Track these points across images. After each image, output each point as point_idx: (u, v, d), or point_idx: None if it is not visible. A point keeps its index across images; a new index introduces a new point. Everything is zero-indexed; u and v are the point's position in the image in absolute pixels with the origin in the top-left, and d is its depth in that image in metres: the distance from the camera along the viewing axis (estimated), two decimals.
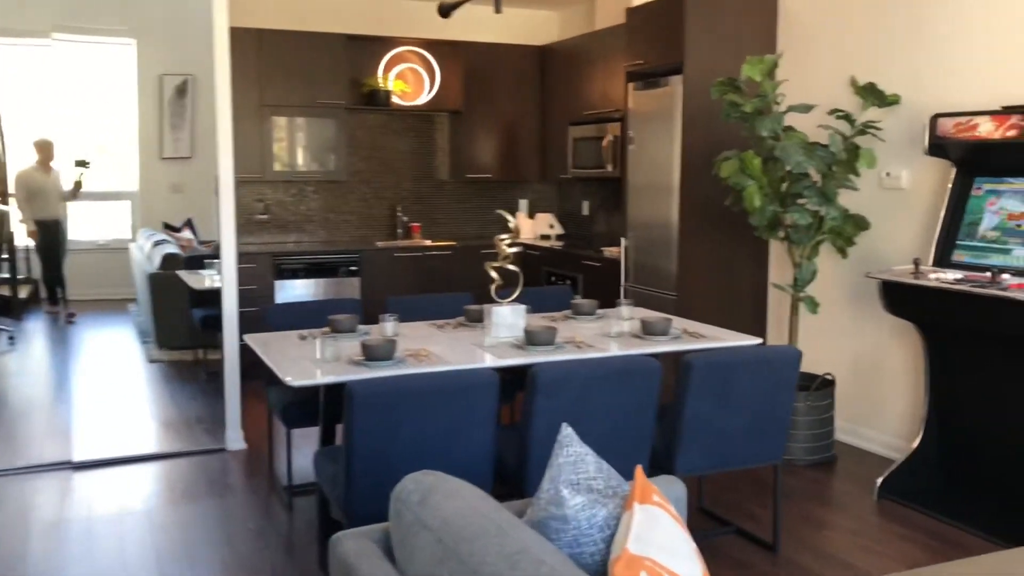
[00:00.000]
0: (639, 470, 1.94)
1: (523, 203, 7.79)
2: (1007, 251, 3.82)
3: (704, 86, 5.16)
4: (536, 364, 3.00)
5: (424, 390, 2.85)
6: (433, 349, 3.59)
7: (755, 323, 5.48)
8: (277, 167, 6.66)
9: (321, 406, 3.51)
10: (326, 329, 3.98)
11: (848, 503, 4.09)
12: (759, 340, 3.79)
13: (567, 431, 2.04)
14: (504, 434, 3.21)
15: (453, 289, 6.87)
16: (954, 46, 4.26)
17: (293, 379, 3.11)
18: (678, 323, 4.10)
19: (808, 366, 4.87)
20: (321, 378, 3.15)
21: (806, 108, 4.39)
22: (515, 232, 3.86)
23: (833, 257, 4.88)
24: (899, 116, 4.54)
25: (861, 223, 4.52)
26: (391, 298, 4.56)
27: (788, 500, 4.09)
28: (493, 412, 2.96)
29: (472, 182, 7.56)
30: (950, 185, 4.09)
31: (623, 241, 5.78)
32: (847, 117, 4.46)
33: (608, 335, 3.87)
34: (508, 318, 3.84)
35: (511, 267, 3.88)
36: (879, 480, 4.13)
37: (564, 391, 3.00)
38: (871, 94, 4.42)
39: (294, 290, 6.45)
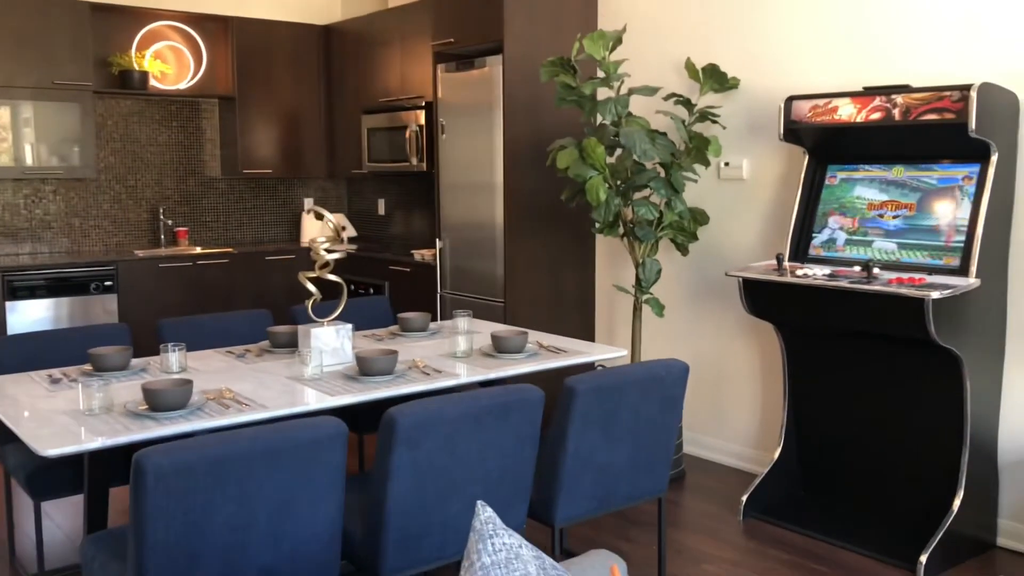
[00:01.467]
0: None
1: (308, 202, 6.94)
2: (868, 243, 3.58)
3: (526, 67, 4.64)
4: (394, 409, 2.30)
5: (244, 453, 2.07)
6: (238, 388, 2.78)
7: (583, 328, 5.04)
8: (2, 162, 5.41)
9: (87, 474, 2.60)
10: (87, 367, 3.04)
11: (716, 528, 3.71)
12: (623, 352, 3.30)
13: (486, 512, 1.41)
14: (348, 493, 2.48)
15: (233, 305, 5.93)
16: (796, 27, 4.00)
17: (48, 447, 2.21)
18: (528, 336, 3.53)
19: None
20: (91, 441, 2.27)
21: (651, 90, 3.96)
22: (335, 234, 3.12)
23: (669, 255, 4.53)
24: (736, 101, 4.25)
25: (700, 217, 4.18)
26: (165, 321, 3.66)
27: (654, 530, 3.65)
28: (340, 475, 2.23)
29: (249, 179, 6.62)
30: (803, 174, 3.81)
31: (438, 243, 5.15)
32: (686, 102, 4.09)
33: (454, 356, 3.22)
34: (332, 341, 3.10)
35: (332, 277, 3.13)
36: (744, 498, 3.78)
37: (429, 438, 2.33)
38: (711, 77, 4.08)
39: (31, 313, 5.25)
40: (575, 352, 3.26)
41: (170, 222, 6.26)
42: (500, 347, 3.21)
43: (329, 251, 3.12)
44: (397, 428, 2.27)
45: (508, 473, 2.53)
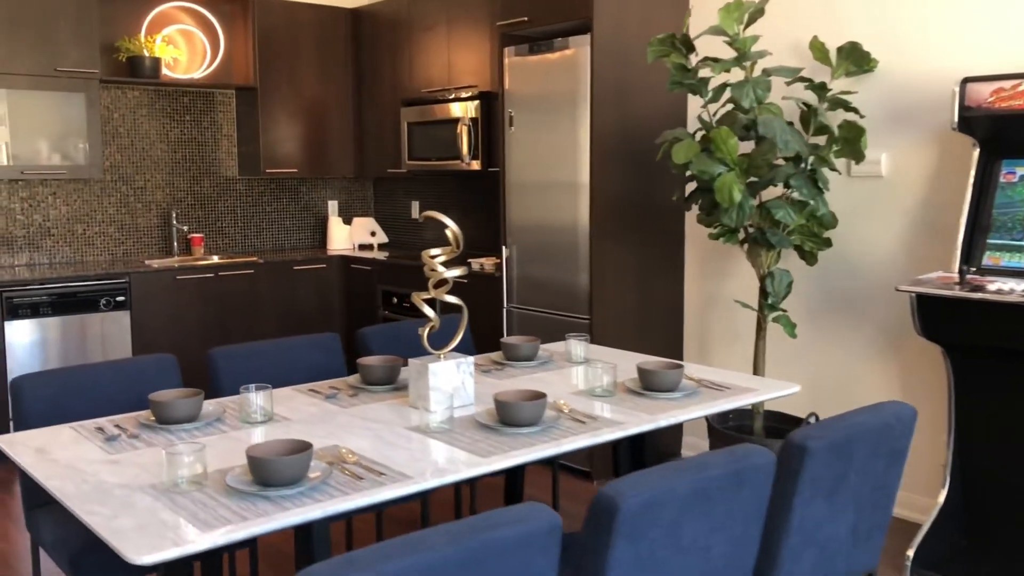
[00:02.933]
0: None
1: (332, 205, 6.29)
2: None
3: (618, 47, 4.04)
4: (612, 489, 1.68)
5: (439, 564, 1.44)
6: (354, 445, 2.15)
7: (671, 348, 4.45)
8: None
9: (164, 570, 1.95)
10: (144, 415, 2.39)
11: None
12: (795, 387, 2.71)
13: None
14: None
15: (261, 323, 5.29)
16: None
17: (144, 553, 1.57)
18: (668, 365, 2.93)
19: (777, 403, 3.90)
20: (199, 540, 1.63)
21: (792, 72, 3.38)
22: (454, 246, 2.50)
23: (785, 263, 3.94)
24: (870, 87, 3.68)
25: (829, 220, 3.60)
26: (218, 350, 3.01)
27: None
28: None
29: (269, 180, 5.96)
30: (973, 170, 3.24)
31: (504, 251, 4.52)
32: (820, 87, 3.51)
33: (592, 393, 2.62)
34: (452, 379, 2.48)
35: (451, 299, 2.51)
36: (910, 553, 3.20)
37: (654, 525, 1.72)
38: (848, 58, 3.51)
39: (34, 335, 4.56)
40: (741, 390, 2.67)
41: (185, 228, 5.57)
42: (649, 383, 2.60)
43: (448, 265, 2.49)
44: (620, 516, 1.66)
45: (733, 560, 1.93)
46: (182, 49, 5.49)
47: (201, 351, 5.11)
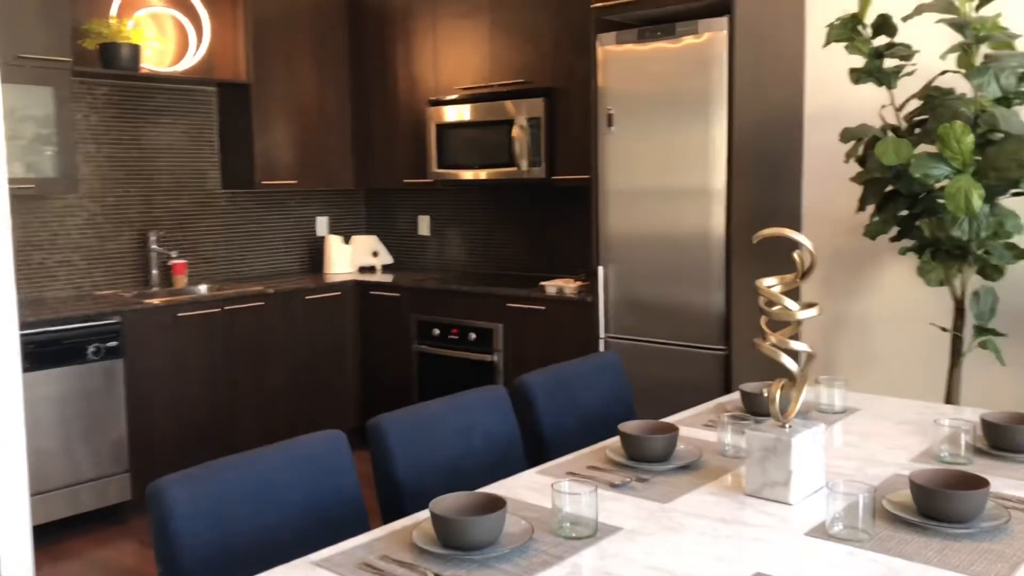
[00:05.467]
0: None
1: (322, 221, 5.42)
2: None
3: (761, 34, 3.50)
4: None
5: None
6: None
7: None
8: None
9: None
10: (422, 534, 1.61)
11: None
12: None
13: None
14: None
15: (273, 364, 4.43)
16: None
17: None
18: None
19: None
20: None
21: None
22: (799, 271, 1.85)
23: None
24: None
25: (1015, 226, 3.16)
26: (386, 418, 2.23)
27: None
28: None
29: (260, 194, 5.05)
30: None
31: (600, 271, 3.86)
32: None
33: (938, 458, 2.02)
34: (809, 453, 1.83)
35: (799, 346, 1.85)
36: None
37: None
38: None
39: (13, 395, 3.51)
40: None
41: (174, 254, 4.59)
42: (997, 441, 2.04)
43: (803, 304, 1.83)
44: None
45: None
46: (160, 36, 4.53)
47: (208, 402, 4.19)
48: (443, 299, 4.48)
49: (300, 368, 4.56)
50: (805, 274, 1.85)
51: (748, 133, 3.50)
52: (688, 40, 3.51)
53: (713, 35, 3.44)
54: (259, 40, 4.66)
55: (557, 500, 1.67)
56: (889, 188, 3.06)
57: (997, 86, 2.76)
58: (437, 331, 4.50)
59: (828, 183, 3.78)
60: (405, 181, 4.94)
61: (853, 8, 3.11)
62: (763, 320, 1.88)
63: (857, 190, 3.38)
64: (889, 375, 3.73)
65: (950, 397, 3.18)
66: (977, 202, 2.76)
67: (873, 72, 3.01)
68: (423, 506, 1.88)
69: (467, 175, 4.54)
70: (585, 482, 1.83)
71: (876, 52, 3.00)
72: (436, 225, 5.26)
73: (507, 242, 4.92)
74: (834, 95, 3.69)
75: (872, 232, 3.21)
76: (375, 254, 5.27)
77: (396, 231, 5.48)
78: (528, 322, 4.15)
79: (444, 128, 4.62)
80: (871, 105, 3.37)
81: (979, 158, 2.82)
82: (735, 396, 2.67)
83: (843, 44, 3.13)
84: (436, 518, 1.58)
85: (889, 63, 3.08)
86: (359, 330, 4.85)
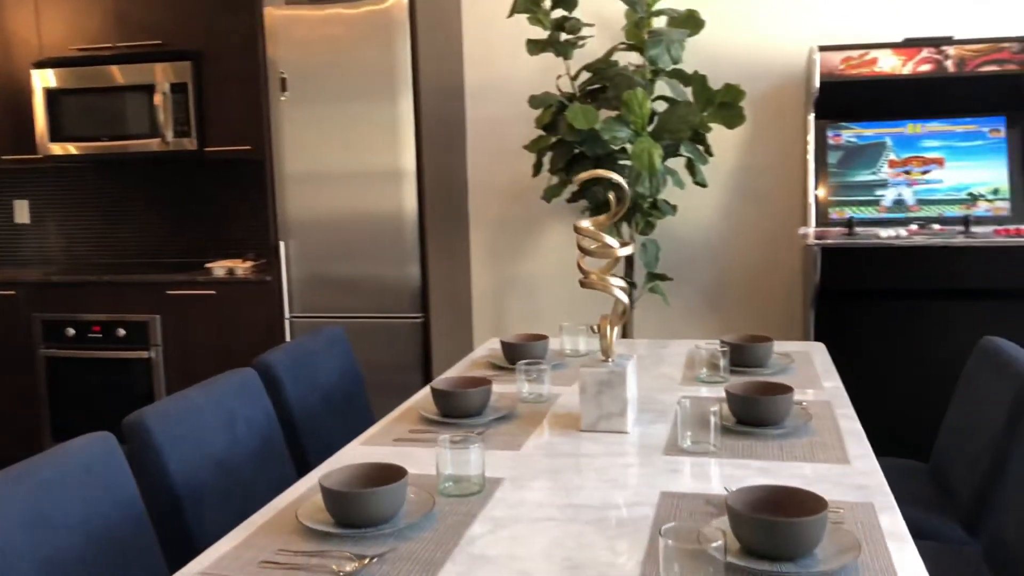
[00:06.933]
0: None
1: None
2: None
3: (438, 2, 3.55)
4: None
5: None
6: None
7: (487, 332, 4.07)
8: None
9: None
10: None
11: None
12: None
13: None
14: None
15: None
16: None
17: None
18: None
19: None
20: None
21: (697, 23, 3.26)
22: (613, 211, 1.93)
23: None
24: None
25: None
26: (149, 412, 1.92)
27: None
28: None
29: None
30: (812, 135, 3.56)
31: (281, 247, 3.61)
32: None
33: (699, 379, 2.27)
34: (631, 386, 1.94)
35: (616, 281, 1.94)
36: None
37: None
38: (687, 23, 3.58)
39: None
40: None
41: None
42: (745, 359, 2.37)
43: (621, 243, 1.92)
44: None
45: None
46: None
47: None
48: (78, 293, 3.86)
49: None
50: (616, 213, 1.94)
51: (433, 108, 3.53)
52: (368, 6, 3.42)
53: (396, 0, 3.40)
54: None
55: (442, 463, 1.57)
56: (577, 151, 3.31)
57: (668, 57, 3.13)
58: (72, 331, 3.87)
59: (490, 156, 3.97)
60: (3, 158, 4.15)
61: None
62: (579, 258, 1.93)
63: (519, 159, 3.62)
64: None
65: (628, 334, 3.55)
66: (658, 161, 3.12)
67: (554, 43, 3.22)
68: (205, 509, 1.66)
69: (92, 148, 3.95)
70: (464, 440, 1.73)
71: (557, 24, 3.21)
72: (42, 210, 4.50)
73: (151, 224, 4.38)
74: (492, 70, 3.88)
75: (549, 195, 3.45)
76: None
77: None
78: (194, 310, 3.75)
79: (57, 94, 3.97)
80: (527, 77, 3.63)
81: (653, 123, 3.18)
82: (493, 347, 2.71)
83: (506, 18, 3.31)
84: (335, 495, 1.39)
85: (566, 36, 3.32)
86: None
